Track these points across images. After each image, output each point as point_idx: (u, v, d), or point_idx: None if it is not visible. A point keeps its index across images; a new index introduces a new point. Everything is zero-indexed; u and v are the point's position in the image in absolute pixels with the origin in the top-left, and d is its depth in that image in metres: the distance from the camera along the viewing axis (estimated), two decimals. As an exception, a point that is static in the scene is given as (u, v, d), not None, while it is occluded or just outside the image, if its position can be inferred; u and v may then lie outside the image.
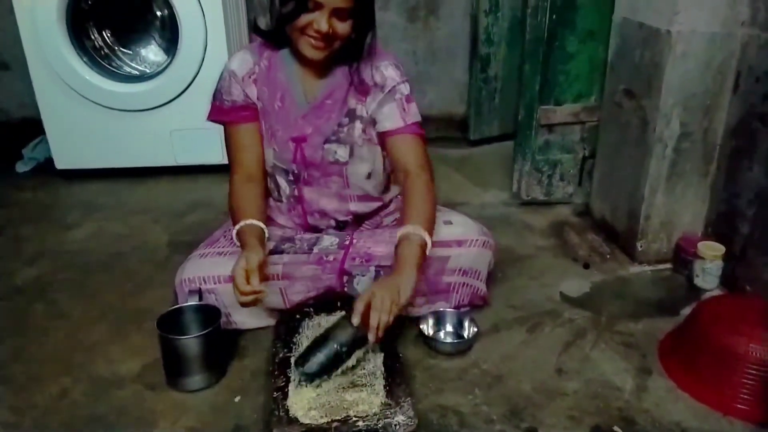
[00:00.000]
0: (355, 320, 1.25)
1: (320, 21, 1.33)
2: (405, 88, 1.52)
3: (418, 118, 1.54)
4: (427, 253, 1.39)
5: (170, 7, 2.33)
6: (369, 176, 1.59)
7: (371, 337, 1.23)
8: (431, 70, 3.09)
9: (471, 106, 2.88)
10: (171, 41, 2.44)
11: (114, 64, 2.52)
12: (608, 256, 1.92)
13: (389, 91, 1.50)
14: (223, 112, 1.52)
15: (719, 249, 1.68)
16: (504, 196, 2.36)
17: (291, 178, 1.57)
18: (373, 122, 1.53)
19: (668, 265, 1.85)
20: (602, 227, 2.06)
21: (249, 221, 1.42)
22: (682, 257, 1.79)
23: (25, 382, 1.37)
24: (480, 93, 2.84)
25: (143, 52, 2.62)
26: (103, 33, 2.53)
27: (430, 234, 1.40)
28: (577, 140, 2.19)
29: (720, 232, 1.75)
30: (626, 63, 1.84)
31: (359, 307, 1.25)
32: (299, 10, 1.34)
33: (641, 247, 1.85)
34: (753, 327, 1.30)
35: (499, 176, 2.51)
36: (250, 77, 1.50)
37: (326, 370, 1.25)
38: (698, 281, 1.71)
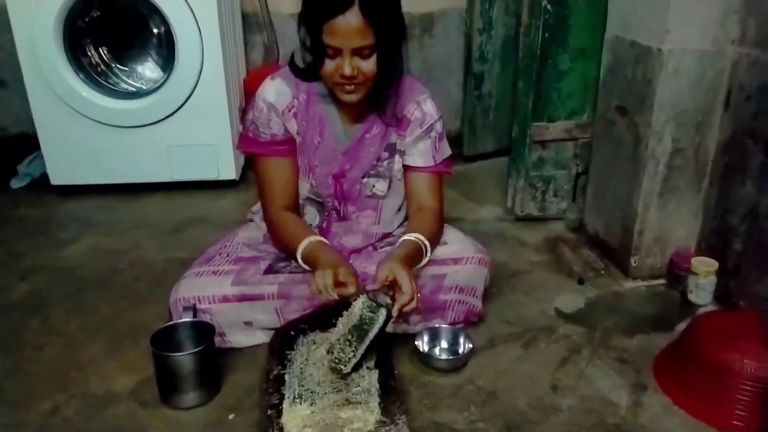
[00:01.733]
0: (372, 286, 1.30)
1: (343, 65, 1.30)
2: (440, 126, 1.55)
3: (447, 155, 1.59)
4: (423, 262, 1.44)
5: (167, 24, 2.34)
6: (399, 209, 1.63)
7: (395, 311, 1.28)
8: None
9: (465, 123, 2.90)
10: (167, 58, 2.45)
11: (110, 81, 2.52)
12: (602, 272, 1.92)
13: (427, 128, 1.52)
14: (258, 144, 1.49)
15: (713, 264, 1.69)
16: (498, 212, 2.37)
17: (324, 210, 1.57)
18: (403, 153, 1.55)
19: (662, 281, 1.86)
20: (596, 243, 2.07)
21: (310, 239, 1.41)
22: (676, 273, 1.80)
23: (18, 398, 1.36)
24: (474, 110, 2.86)
25: (140, 68, 2.63)
26: (100, 50, 2.54)
27: (431, 247, 1.45)
28: (570, 156, 2.21)
29: (713, 248, 1.76)
30: (618, 80, 1.86)
31: (381, 278, 1.29)
32: (320, 58, 1.33)
33: (635, 262, 1.85)
34: (748, 342, 1.30)
35: (493, 192, 2.52)
36: (290, 111, 1.47)
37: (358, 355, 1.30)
38: (692, 297, 1.71)
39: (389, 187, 1.56)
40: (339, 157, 1.51)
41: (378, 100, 1.46)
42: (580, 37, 2.04)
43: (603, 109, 1.98)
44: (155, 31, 2.60)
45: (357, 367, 1.31)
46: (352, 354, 1.28)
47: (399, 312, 1.29)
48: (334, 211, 1.57)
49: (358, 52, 1.31)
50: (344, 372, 1.29)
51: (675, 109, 1.69)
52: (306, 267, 1.41)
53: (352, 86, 1.35)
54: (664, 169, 1.75)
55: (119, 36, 2.57)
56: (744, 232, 1.63)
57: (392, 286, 1.30)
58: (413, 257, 1.41)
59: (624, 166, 1.86)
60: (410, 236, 1.44)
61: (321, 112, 1.48)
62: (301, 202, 1.58)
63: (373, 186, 1.55)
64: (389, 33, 1.34)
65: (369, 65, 1.33)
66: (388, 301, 1.29)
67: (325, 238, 1.60)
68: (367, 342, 1.29)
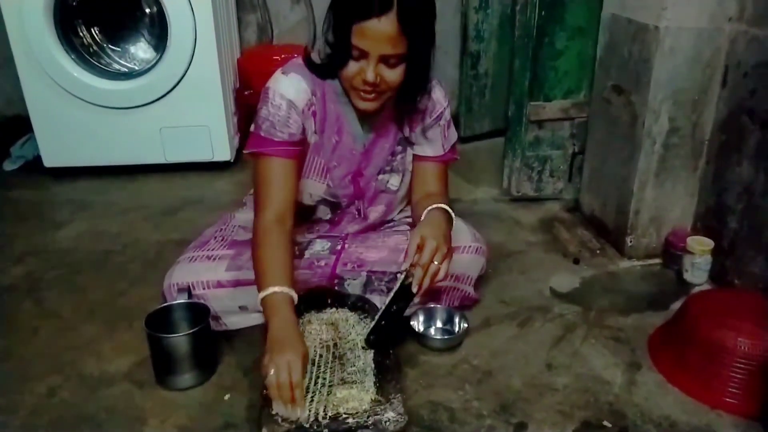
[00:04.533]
0: (405, 265, 1.26)
1: (367, 70, 1.22)
2: (448, 112, 1.50)
3: (454, 140, 1.55)
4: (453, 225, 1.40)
5: (159, 4, 2.31)
6: (402, 199, 1.61)
7: (414, 286, 1.25)
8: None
9: (461, 103, 2.88)
10: (160, 38, 2.43)
11: (103, 62, 2.49)
12: (598, 252, 1.92)
13: (437, 116, 1.48)
14: (273, 144, 1.35)
15: (708, 244, 1.69)
16: (494, 193, 2.37)
17: (338, 207, 1.55)
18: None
19: (658, 260, 1.86)
20: (592, 223, 2.07)
21: (280, 288, 1.24)
22: (672, 252, 1.80)
23: (13, 381, 1.36)
24: (470, 90, 2.84)
25: (132, 49, 2.60)
26: (92, 30, 2.51)
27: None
28: (566, 136, 2.20)
29: (709, 227, 1.76)
30: (615, 59, 1.85)
31: (412, 250, 1.25)
32: (344, 59, 1.24)
33: (631, 242, 1.85)
34: (741, 321, 1.31)
35: (489, 172, 2.51)
36: (309, 109, 1.38)
37: (385, 332, 1.31)
38: (687, 276, 1.72)
39: (401, 180, 1.54)
40: (357, 156, 1.47)
41: (400, 110, 1.42)
42: (577, 15, 2.02)
43: (599, 87, 1.96)
44: (147, 10, 2.57)
45: (380, 342, 1.32)
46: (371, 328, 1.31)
47: (422, 281, 1.24)
48: (353, 212, 1.55)
49: (385, 60, 1.23)
50: (363, 347, 1.32)
51: (672, 88, 1.68)
52: (259, 307, 1.27)
53: (371, 95, 1.28)
54: (660, 148, 1.74)
55: (111, 16, 2.54)
56: (740, 211, 1.63)
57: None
58: (442, 221, 1.34)
59: (620, 145, 1.85)
60: (431, 207, 1.37)
61: (338, 111, 1.42)
62: (314, 203, 1.52)
63: (387, 181, 1.52)
64: (423, 44, 1.27)
65: (394, 75, 1.25)
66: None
67: (332, 226, 1.59)
68: (380, 313, 1.31)
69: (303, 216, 1.55)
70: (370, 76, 1.22)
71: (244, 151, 1.42)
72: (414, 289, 1.26)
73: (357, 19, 1.18)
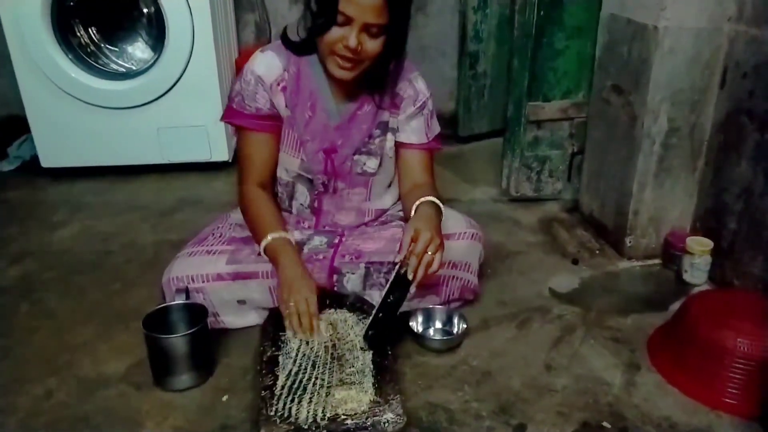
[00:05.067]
0: (400, 256, 1.30)
1: (349, 36, 1.27)
2: (431, 103, 1.56)
3: (437, 131, 1.60)
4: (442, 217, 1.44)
5: (157, 4, 2.30)
6: (389, 186, 1.63)
7: (410, 274, 1.29)
8: (420, 67, 3.08)
9: (460, 103, 2.88)
10: (158, 38, 2.42)
11: (100, 62, 2.49)
12: (597, 252, 1.92)
13: (420, 105, 1.53)
14: (242, 116, 1.48)
15: (707, 244, 1.69)
16: (493, 193, 2.36)
17: (314, 188, 1.56)
18: (396, 130, 1.55)
19: (657, 261, 1.86)
20: (591, 223, 2.07)
21: (278, 234, 1.40)
22: (671, 252, 1.80)
23: (9, 382, 1.36)
24: (469, 90, 2.83)
25: (130, 49, 2.60)
26: (89, 30, 2.50)
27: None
28: (565, 136, 2.19)
29: (708, 227, 1.76)
30: (614, 59, 1.85)
31: (406, 242, 1.29)
32: (328, 24, 1.28)
33: (630, 242, 1.85)
34: (741, 321, 1.30)
35: (488, 173, 2.50)
36: (278, 84, 1.45)
37: (383, 326, 1.32)
38: (687, 276, 1.72)
39: (380, 164, 1.56)
40: (331, 132, 1.50)
41: (375, 80, 1.45)
42: (576, 15, 2.02)
43: (598, 88, 1.96)
44: (145, 11, 2.56)
45: (378, 337, 1.33)
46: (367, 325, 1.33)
47: (416, 270, 1.29)
48: (322, 185, 1.56)
49: (368, 29, 1.28)
50: (362, 347, 1.32)
51: (671, 88, 1.68)
52: (265, 257, 1.41)
53: (349, 63, 1.33)
54: (659, 149, 1.74)
55: (109, 15, 2.53)
56: (739, 211, 1.63)
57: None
58: (433, 214, 1.40)
59: (619, 145, 1.85)
60: (420, 200, 1.43)
61: (312, 87, 1.47)
62: (291, 179, 1.57)
63: (364, 163, 1.54)
64: (403, 18, 1.33)
65: (374, 44, 1.31)
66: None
67: (317, 216, 1.61)
68: (376, 308, 1.32)
69: (285, 203, 1.61)
70: (352, 41, 1.27)
71: (220, 120, 1.54)
72: (410, 277, 1.30)
73: None
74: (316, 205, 1.59)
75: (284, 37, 1.46)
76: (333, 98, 1.48)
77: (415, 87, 1.52)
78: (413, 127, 1.55)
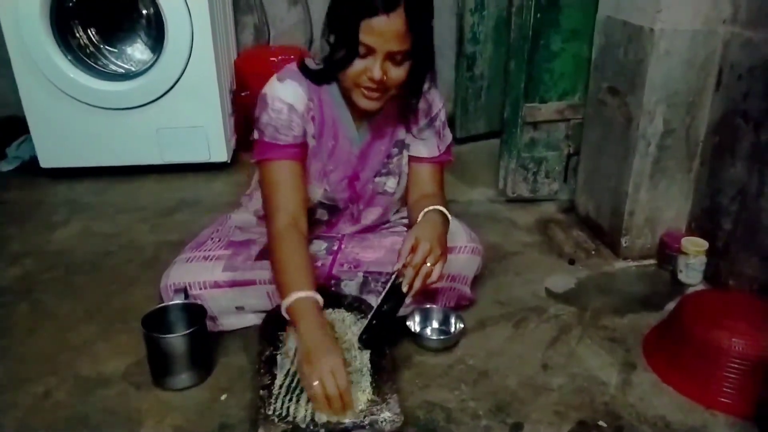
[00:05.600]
0: (398, 265, 1.27)
1: (373, 68, 1.22)
2: (444, 114, 1.51)
3: (449, 141, 1.55)
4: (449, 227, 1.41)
5: (156, 5, 2.31)
6: (400, 199, 1.61)
7: (404, 286, 1.26)
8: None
9: (457, 105, 2.89)
10: (157, 39, 2.43)
11: (99, 63, 2.49)
12: (593, 252, 1.93)
13: (432, 117, 1.49)
14: (279, 148, 1.36)
15: (702, 244, 1.70)
16: (490, 194, 2.37)
17: (335, 211, 1.55)
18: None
19: (652, 261, 1.87)
20: (587, 223, 2.08)
21: (305, 294, 1.22)
22: (666, 253, 1.81)
23: (8, 382, 1.36)
24: (466, 91, 2.85)
25: (129, 50, 2.60)
26: (89, 31, 2.51)
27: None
28: (562, 137, 2.20)
29: (703, 228, 1.77)
30: (610, 61, 1.86)
31: (405, 251, 1.26)
32: (350, 57, 1.23)
33: (626, 243, 1.86)
34: (736, 321, 1.31)
35: (485, 174, 2.51)
36: (308, 113, 1.38)
37: (377, 332, 1.31)
38: (682, 276, 1.73)
39: (398, 183, 1.53)
40: (353, 159, 1.47)
41: (404, 109, 1.43)
42: (573, 17, 2.03)
43: (595, 89, 1.97)
44: (144, 11, 2.57)
45: (373, 341, 1.32)
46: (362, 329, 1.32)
47: (412, 282, 1.26)
48: (349, 215, 1.55)
49: (392, 57, 1.23)
50: (359, 347, 1.32)
51: (666, 90, 1.69)
52: (285, 315, 1.26)
53: (376, 93, 1.28)
54: (655, 150, 1.75)
55: (108, 17, 2.54)
56: (734, 212, 1.64)
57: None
58: (437, 224, 1.35)
59: (615, 146, 1.86)
60: (427, 208, 1.39)
61: (334, 115, 1.42)
62: (311, 206, 1.51)
63: (385, 184, 1.52)
64: (427, 40, 1.28)
65: (399, 72, 1.26)
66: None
67: (330, 230, 1.59)
68: (370, 315, 1.32)
69: None
70: (377, 73, 1.22)
71: (252, 161, 1.42)
72: (404, 289, 1.27)
73: (365, 15, 1.18)
74: (333, 221, 1.58)
75: (303, 67, 1.39)
76: (355, 126, 1.45)
77: (427, 99, 1.46)
78: (425, 141, 1.51)
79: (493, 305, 1.65)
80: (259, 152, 1.38)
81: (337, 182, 1.48)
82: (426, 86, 1.42)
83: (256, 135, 1.39)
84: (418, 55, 1.27)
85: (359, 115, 1.43)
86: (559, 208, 2.24)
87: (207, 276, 1.45)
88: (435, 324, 1.53)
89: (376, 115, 1.44)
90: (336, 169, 1.47)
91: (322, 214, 1.56)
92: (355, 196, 1.52)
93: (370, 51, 1.22)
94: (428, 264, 1.26)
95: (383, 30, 1.19)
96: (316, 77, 1.38)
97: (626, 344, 1.49)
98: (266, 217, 1.40)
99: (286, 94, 1.35)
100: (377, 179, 1.52)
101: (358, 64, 1.24)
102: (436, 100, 1.49)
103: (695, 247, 1.69)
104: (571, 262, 1.87)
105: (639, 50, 1.70)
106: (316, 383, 1.11)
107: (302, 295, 1.22)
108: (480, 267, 1.62)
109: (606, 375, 1.38)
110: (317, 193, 1.49)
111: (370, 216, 1.58)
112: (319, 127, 1.42)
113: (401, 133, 1.51)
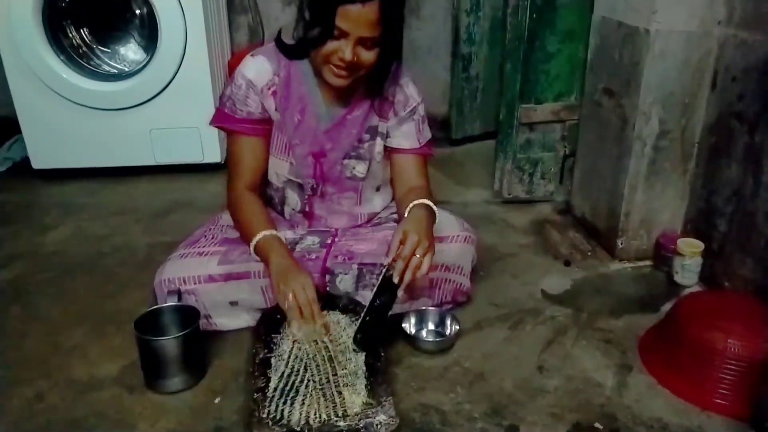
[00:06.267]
0: (387, 259, 1.31)
1: (345, 49, 1.30)
2: (422, 108, 1.57)
3: (429, 137, 1.61)
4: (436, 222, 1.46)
5: (149, 5, 2.30)
6: (378, 189, 1.64)
7: (395, 277, 1.29)
8: (413, 69, 3.06)
9: (453, 106, 2.88)
10: (150, 39, 2.42)
11: (92, 63, 2.48)
12: (589, 254, 1.93)
13: (411, 110, 1.54)
14: (233, 120, 1.49)
15: (698, 246, 1.70)
16: (486, 195, 2.37)
17: (305, 192, 1.57)
18: (385, 135, 1.56)
19: (648, 262, 1.87)
20: (583, 225, 2.07)
21: (267, 232, 1.40)
22: (662, 254, 1.81)
23: (0, 385, 1.35)
24: (462, 92, 2.84)
25: (122, 50, 2.59)
26: (81, 31, 2.49)
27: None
28: (557, 139, 2.20)
29: (699, 229, 1.77)
30: (605, 62, 1.86)
31: (394, 245, 1.31)
32: (324, 37, 1.30)
33: (621, 244, 1.86)
34: (731, 322, 1.31)
35: (481, 175, 2.51)
36: (269, 89, 1.46)
37: (372, 330, 1.32)
38: (678, 278, 1.73)
39: (368, 169, 1.57)
40: (320, 136, 1.51)
41: (374, 85, 1.47)
42: (568, 18, 2.03)
43: (590, 90, 1.97)
44: (137, 12, 2.56)
45: (367, 339, 1.33)
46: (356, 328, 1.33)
47: (403, 273, 1.29)
48: (311, 189, 1.57)
49: (363, 42, 1.31)
50: (354, 349, 1.32)
51: (662, 91, 1.69)
52: (256, 257, 1.42)
53: (345, 72, 1.34)
54: (650, 151, 1.75)
55: (101, 17, 2.52)
56: (729, 213, 1.64)
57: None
58: (424, 217, 1.41)
59: (611, 148, 1.86)
60: (413, 203, 1.45)
61: (302, 91, 1.47)
62: (281, 184, 1.58)
63: (353, 168, 1.55)
64: (397, 30, 1.36)
65: (369, 56, 1.33)
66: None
67: (310, 221, 1.61)
68: (364, 312, 1.32)
69: (278, 208, 1.65)
70: (348, 55, 1.30)
71: (209, 124, 1.53)
72: (396, 280, 1.30)
73: (343, 2, 1.26)
74: (307, 209, 1.60)
75: (278, 40, 1.47)
76: (323, 102, 1.49)
77: (405, 92, 1.53)
78: (404, 132, 1.56)
79: (488, 307, 1.64)
80: (216, 119, 1.51)
81: (303, 156, 1.52)
82: (404, 79, 1.52)
83: (218, 103, 1.52)
84: (387, 43, 1.35)
85: (332, 96, 1.48)
86: (554, 210, 2.23)
87: (202, 270, 1.45)
88: (430, 326, 1.53)
89: (350, 98, 1.49)
90: (302, 143, 1.51)
91: (294, 201, 1.59)
92: (322, 175, 1.54)
93: (344, 34, 1.29)
94: (417, 256, 1.30)
95: (358, 17, 1.27)
96: (289, 52, 1.45)
97: (622, 346, 1.48)
98: (227, 182, 1.54)
99: (249, 71, 1.45)
100: (346, 161, 1.54)
101: (331, 45, 1.31)
102: (414, 94, 1.55)
103: (691, 249, 1.69)
104: (567, 263, 1.87)
105: (634, 51, 1.70)
106: (290, 294, 1.28)
107: (267, 233, 1.40)
108: (475, 258, 1.63)
109: (602, 377, 1.38)
110: (284, 167, 1.54)
111: (345, 202, 1.61)
112: (283, 101, 1.47)
113: (374, 120, 1.54)
